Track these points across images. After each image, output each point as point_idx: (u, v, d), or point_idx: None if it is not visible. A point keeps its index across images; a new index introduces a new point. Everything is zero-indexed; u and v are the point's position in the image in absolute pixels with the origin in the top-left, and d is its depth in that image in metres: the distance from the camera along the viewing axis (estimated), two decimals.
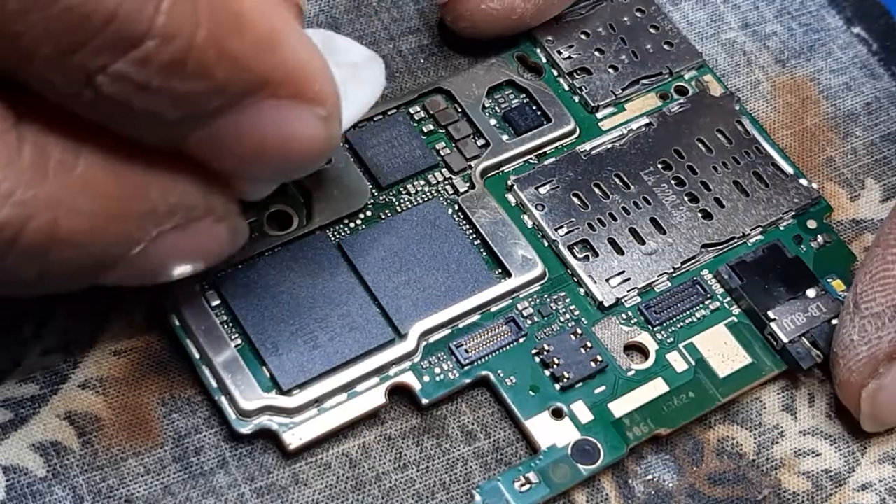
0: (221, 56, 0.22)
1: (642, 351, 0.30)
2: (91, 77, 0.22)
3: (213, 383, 0.28)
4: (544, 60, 0.34)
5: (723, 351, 0.30)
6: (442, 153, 0.32)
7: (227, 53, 0.22)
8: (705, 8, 0.36)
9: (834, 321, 0.30)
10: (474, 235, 0.30)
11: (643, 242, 0.31)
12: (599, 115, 0.33)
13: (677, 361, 0.29)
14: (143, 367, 0.28)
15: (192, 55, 0.22)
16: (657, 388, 0.29)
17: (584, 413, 0.28)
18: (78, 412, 0.28)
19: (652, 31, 0.34)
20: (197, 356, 0.28)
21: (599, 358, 0.29)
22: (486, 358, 0.29)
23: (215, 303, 0.29)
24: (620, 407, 0.29)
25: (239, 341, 0.28)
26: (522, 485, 0.27)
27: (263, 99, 0.23)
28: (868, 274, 0.29)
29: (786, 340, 0.30)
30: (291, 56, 0.24)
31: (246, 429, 0.27)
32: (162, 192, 0.24)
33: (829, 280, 0.31)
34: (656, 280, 0.30)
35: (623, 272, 0.30)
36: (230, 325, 0.28)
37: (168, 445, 0.28)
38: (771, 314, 0.30)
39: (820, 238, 0.32)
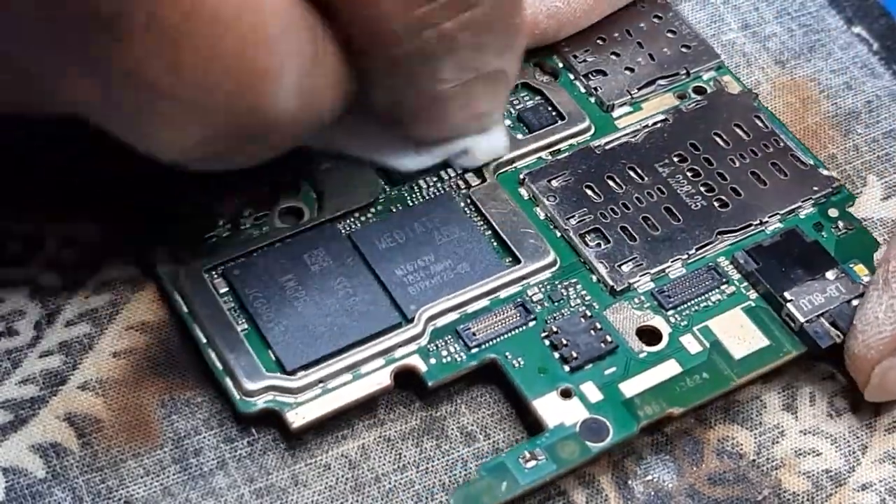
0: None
1: (655, 334, 0.29)
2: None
3: (219, 366, 0.28)
4: (560, 66, 0.34)
5: (739, 333, 0.29)
6: None
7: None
8: (705, 9, 0.36)
9: (854, 302, 0.29)
10: (485, 226, 0.30)
11: (657, 229, 0.30)
12: (615, 114, 0.33)
13: (691, 344, 0.29)
14: (142, 368, 0.28)
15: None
16: (670, 369, 0.28)
17: (593, 393, 0.28)
18: (78, 413, 0.28)
19: (669, 35, 0.34)
20: (204, 341, 0.28)
21: (609, 339, 0.28)
22: (494, 341, 0.28)
23: (223, 290, 0.29)
24: (632, 387, 0.28)
25: (245, 326, 0.28)
26: (528, 460, 0.27)
27: None
28: None
29: (803, 320, 0.29)
30: None
31: (250, 409, 0.27)
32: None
33: (850, 265, 0.30)
34: (670, 266, 0.30)
35: (635, 258, 0.30)
36: (237, 311, 0.28)
37: (168, 447, 0.27)
38: (787, 295, 0.29)
39: (841, 225, 0.31)
